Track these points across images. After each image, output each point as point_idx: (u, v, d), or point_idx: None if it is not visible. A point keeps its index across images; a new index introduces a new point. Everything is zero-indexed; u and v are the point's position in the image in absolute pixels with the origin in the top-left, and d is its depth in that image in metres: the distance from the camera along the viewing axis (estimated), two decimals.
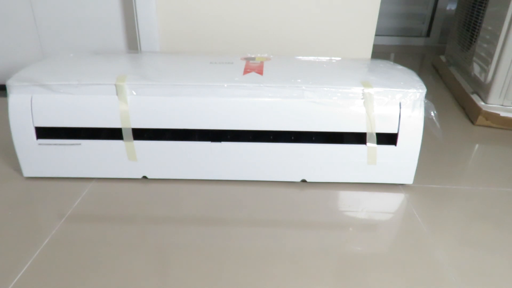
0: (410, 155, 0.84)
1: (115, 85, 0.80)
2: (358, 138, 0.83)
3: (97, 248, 0.68)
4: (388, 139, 0.83)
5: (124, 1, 1.19)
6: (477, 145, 1.10)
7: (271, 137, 0.84)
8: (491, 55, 1.22)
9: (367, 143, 0.83)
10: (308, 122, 0.81)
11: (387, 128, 0.82)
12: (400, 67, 0.95)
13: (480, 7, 1.37)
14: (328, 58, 1.00)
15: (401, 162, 0.85)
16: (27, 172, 0.86)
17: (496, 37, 1.19)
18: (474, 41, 1.38)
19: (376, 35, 2.23)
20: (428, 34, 2.32)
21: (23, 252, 0.66)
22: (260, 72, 0.86)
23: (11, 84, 0.80)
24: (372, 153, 0.84)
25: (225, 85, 0.80)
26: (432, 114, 0.82)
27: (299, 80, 0.82)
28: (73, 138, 0.83)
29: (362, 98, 0.81)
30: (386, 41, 2.32)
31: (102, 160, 0.85)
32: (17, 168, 0.89)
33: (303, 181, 0.88)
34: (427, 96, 0.82)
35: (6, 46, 1.28)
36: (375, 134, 0.82)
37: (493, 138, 1.14)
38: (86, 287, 0.60)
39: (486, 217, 0.79)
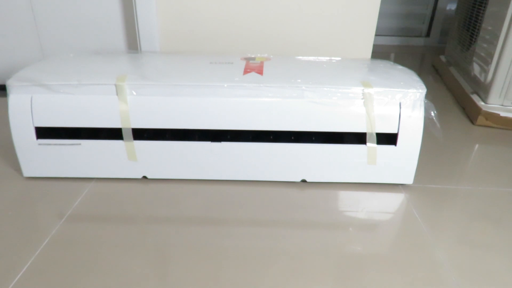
0: (410, 155, 0.84)
1: (115, 85, 0.80)
2: (358, 138, 0.83)
3: (97, 248, 0.68)
4: (388, 139, 0.83)
5: (124, 1, 1.19)
6: (477, 145, 1.10)
7: (271, 137, 0.84)
8: (491, 55, 1.22)
9: (367, 143, 0.83)
10: (308, 122, 0.81)
11: (387, 128, 0.82)
12: (400, 67, 0.95)
13: (480, 7, 1.37)
14: (328, 58, 1.00)
15: (401, 162, 0.85)
16: (27, 172, 0.86)
17: (496, 37, 1.19)
18: (474, 41, 1.38)
19: (376, 35, 2.23)
20: (428, 34, 2.32)
21: (23, 252, 0.66)
22: (260, 72, 0.86)
23: (11, 84, 0.80)
24: (372, 153, 0.84)
25: (225, 85, 0.80)
26: (432, 114, 0.82)
27: (299, 80, 0.82)
28: (73, 138, 0.83)
29: (362, 98, 0.81)
30: (386, 41, 2.32)
31: (102, 160, 0.85)
32: (17, 168, 0.89)
33: (303, 181, 0.88)
34: (427, 96, 0.82)
35: (6, 46, 1.28)
36: (375, 134, 0.82)
37: (493, 138, 1.14)
38: (86, 287, 0.60)
39: (486, 217, 0.79)
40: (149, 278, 0.62)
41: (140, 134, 0.83)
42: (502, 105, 1.21)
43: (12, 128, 0.81)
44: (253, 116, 0.81)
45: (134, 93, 0.80)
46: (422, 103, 0.81)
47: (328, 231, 0.74)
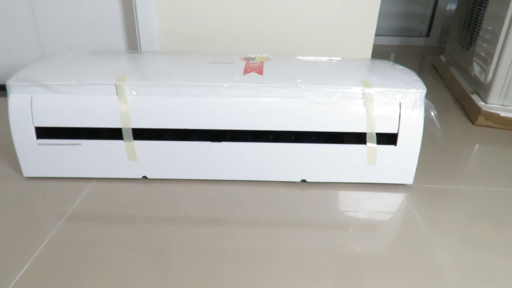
0: (410, 155, 0.84)
1: (115, 85, 0.80)
2: (358, 138, 0.83)
3: (97, 248, 0.68)
4: (388, 139, 0.83)
5: (124, 1, 1.19)
6: (477, 145, 1.10)
7: (271, 137, 0.84)
8: (491, 55, 1.22)
9: (367, 143, 0.83)
10: (308, 122, 0.81)
11: (387, 128, 0.82)
12: (400, 67, 0.95)
13: (480, 7, 1.37)
14: (328, 58, 1.00)
15: (401, 162, 0.85)
16: (27, 172, 0.86)
17: (496, 37, 1.19)
18: (474, 41, 1.38)
19: (376, 35, 2.23)
20: (428, 34, 2.32)
21: (23, 252, 0.66)
22: (260, 72, 0.86)
23: (11, 84, 0.80)
24: (372, 153, 0.84)
25: (225, 85, 0.80)
26: (432, 114, 0.82)
27: (299, 80, 0.82)
28: (73, 138, 0.83)
29: (362, 98, 0.81)
30: (386, 41, 2.32)
31: (102, 160, 0.85)
32: (17, 168, 0.89)
33: (303, 181, 0.88)
34: (427, 96, 0.82)
35: (6, 46, 1.28)
36: (375, 134, 0.82)
37: (493, 138, 1.14)
38: (86, 287, 0.60)
39: (486, 217, 0.79)
40: (149, 278, 0.62)
41: (140, 134, 0.83)
42: (502, 105, 1.21)
43: (12, 128, 0.81)
44: (253, 116, 0.81)
45: (134, 93, 0.80)
46: (422, 103, 0.81)
47: (328, 231, 0.74)
